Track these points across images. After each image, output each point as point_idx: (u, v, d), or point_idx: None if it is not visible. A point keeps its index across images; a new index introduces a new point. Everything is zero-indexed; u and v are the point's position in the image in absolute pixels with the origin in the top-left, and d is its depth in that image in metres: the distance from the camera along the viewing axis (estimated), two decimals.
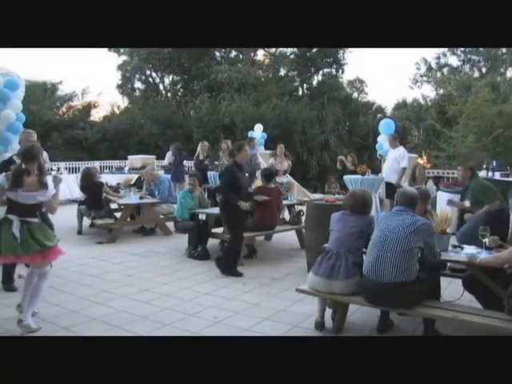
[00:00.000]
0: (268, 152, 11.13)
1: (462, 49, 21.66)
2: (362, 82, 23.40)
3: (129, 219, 7.78)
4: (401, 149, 7.85)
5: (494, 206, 4.95)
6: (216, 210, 6.15)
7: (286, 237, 6.87)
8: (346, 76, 23.14)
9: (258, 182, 6.38)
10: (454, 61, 23.08)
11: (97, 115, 21.83)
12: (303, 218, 6.26)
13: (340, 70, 22.53)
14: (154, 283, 4.95)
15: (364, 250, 3.55)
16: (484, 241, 3.46)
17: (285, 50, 23.24)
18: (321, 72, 22.93)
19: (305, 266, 5.20)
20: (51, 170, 7.16)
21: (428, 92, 28.30)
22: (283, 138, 14.59)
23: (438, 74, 21.96)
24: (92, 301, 4.34)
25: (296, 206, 7.28)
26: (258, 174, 8.06)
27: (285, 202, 6.88)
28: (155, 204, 7.61)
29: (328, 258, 3.52)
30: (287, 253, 6.46)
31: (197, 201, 6.50)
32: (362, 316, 3.92)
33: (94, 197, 7.40)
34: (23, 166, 3.55)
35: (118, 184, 8.91)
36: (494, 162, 8.67)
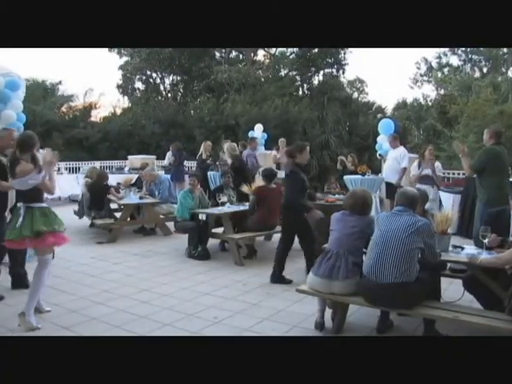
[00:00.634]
0: (268, 152, 11.15)
1: (463, 48, 21.66)
2: (362, 82, 23.46)
3: (129, 219, 7.78)
4: (401, 149, 7.85)
5: (471, 170, 4.97)
6: (216, 210, 6.15)
7: None
8: (347, 76, 23.18)
9: (258, 182, 6.37)
10: (454, 60, 23.15)
11: (98, 115, 21.86)
12: None
13: (341, 70, 22.53)
14: (154, 283, 4.95)
15: (364, 250, 3.55)
16: (484, 241, 3.46)
17: (285, 50, 23.23)
18: (321, 72, 22.92)
19: (305, 266, 5.19)
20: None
21: (428, 92, 28.39)
22: (283, 138, 14.60)
23: (439, 74, 21.96)
24: (92, 301, 4.35)
25: None
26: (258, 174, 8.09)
27: None
28: (155, 204, 7.61)
29: (328, 258, 3.52)
30: None
31: (197, 201, 6.51)
32: (361, 316, 3.92)
33: (98, 197, 7.44)
34: (17, 155, 3.63)
35: (118, 184, 8.92)
36: None
